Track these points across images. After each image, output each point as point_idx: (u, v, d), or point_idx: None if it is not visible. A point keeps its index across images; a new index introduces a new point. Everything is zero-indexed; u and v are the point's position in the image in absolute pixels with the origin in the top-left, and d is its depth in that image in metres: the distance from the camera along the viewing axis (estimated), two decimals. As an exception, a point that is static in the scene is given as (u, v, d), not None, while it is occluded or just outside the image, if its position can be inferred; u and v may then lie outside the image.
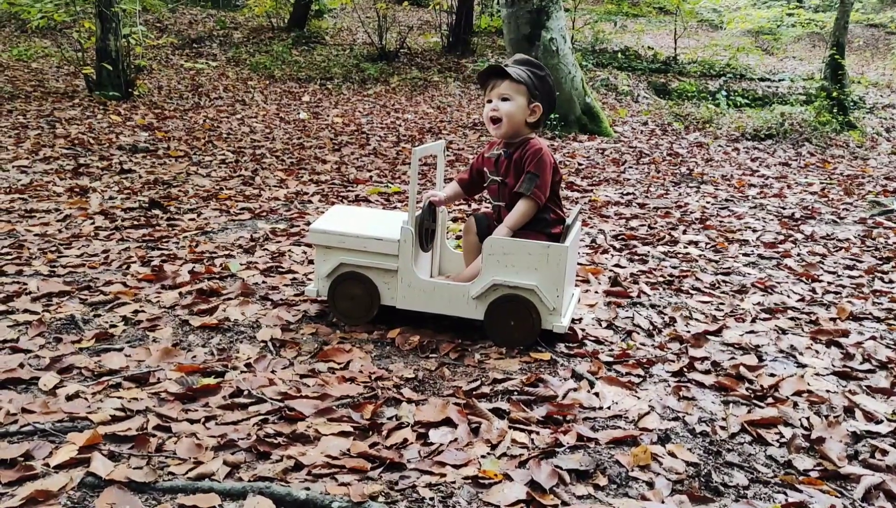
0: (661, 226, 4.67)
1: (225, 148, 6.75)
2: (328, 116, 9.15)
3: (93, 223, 4.17)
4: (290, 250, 3.79)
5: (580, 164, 6.82)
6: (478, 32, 15.91)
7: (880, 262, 4.13)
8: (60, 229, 4.01)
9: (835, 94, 9.50)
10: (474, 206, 5.02)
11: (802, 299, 3.40)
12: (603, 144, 7.97)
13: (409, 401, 2.20)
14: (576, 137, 8.19)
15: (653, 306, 3.21)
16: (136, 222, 4.22)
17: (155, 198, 4.75)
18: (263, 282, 3.26)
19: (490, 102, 2.82)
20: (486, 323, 2.70)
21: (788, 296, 3.44)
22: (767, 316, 3.14)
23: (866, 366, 2.63)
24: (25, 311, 2.79)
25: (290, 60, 13.43)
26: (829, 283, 3.70)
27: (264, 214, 4.54)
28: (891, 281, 3.79)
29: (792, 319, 3.13)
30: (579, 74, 8.55)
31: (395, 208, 4.91)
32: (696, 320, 3.06)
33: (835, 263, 4.07)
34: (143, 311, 2.84)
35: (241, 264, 3.49)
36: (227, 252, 3.71)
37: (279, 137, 7.51)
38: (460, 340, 2.69)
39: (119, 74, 9.22)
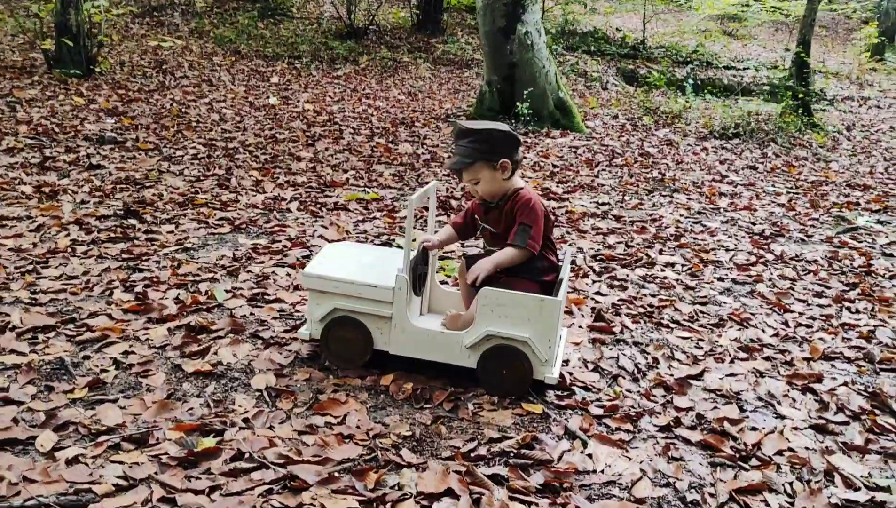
0: (638, 244, 4.74)
1: (195, 140, 6.64)
2: (298, 101, 9.04)
3: (68, 235, 4.10)
4: (273, 273, 3.78)
5: (554, 165, 6.86)
6: (447, 9, 15.77)
7: (847, 288, 4.26)
8: (35, 243, 3.93)
9: (800, 95, 9.66)
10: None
11: (776, 335, 3.51)
12: (575, 141, 8.02)
13: (410, 465, 2.24)
14: (548, 132, 8.23)
15: (636, 343, 3.28)
16: (112, 235, 4.15)
17: (130, 205, 4.67)
18: (251, 314, 3.26)
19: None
20: (479, 372, 2.74)
21: (763, 330, 3.55)
22: (745, 356, 3.24)
23: (840, 417, 2.74)
24: (12, 352, 2.75)
25: (256, 34, 13.18)
26: (801, 313, 3.81)
27: (243, 225, 4.50)
28: (857, 311, 3.92)
29: (768, 359, 3.23)
30: (553, 68, 8.56)
31: (374, 218, 4.90)
32: (678, 360, 3.15)
33: (804, 289, 4.19)
34: (132, 352, 2.82)
35: (227, 292, 3.47)
36: (210, 275, 3.68)
37: (250, 126, 7.41)
38: (452, 388, 2.73)
39: (80, 50, 8.97)
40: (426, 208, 4.78)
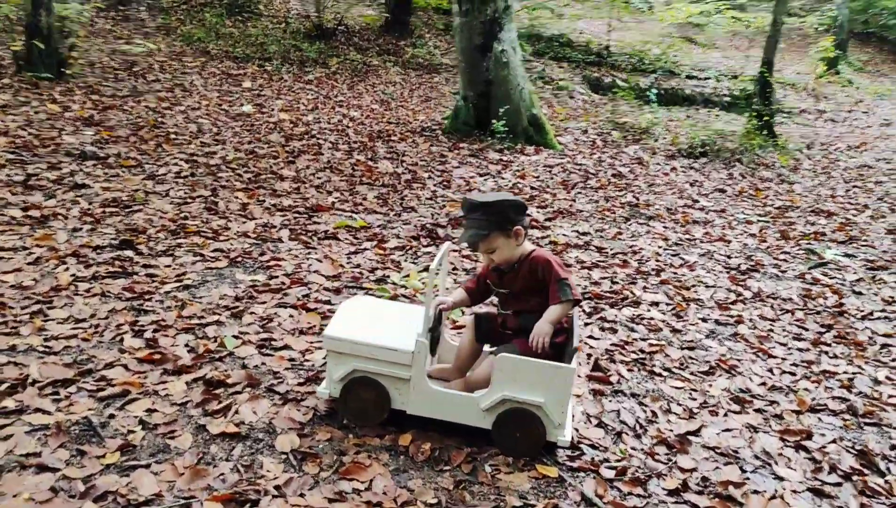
0: (622, 280, 4.91)
1: (176, 155, 6.62)
2: (273, 109, 9.02)
3: (67, 269, 4.11)
4: (277, 315, 3.84)
5: (532, 187, 7.01)
6: (415, 9, 15.78)
7: (823, 330, 4.49)
8: (36, 279, 3.93)
9: (765, 117, 9.97)
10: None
11: (763, 384, 3.70)
12: (549, 158, 8.18)
13: (441, 537, 2.36)
14: (523, 148, 8.37)
15: (633, 394, 3.44)
16: (111, 269, 4.17)
17: (123, 233, 4.68)
18: (262, 364, 3.33)
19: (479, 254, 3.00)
20: (494, 433, 2.87)
21: (750, 378, 3.74)
22: (737, 408, 3.42)
23: (833, 478, 2.93)
24: (37, 410, 2.79)
25: (224, 33, 13.04)
26: (783, 359, 4.02)
27: (239, 259, 4.54)
28: (835, 356, 4.15)
29: (759, 411, 3.42)
30: (528, 85, 8.70)
31: (364, 249, 4.98)
32: (675, 413, 3.31)
33: (783, 330, 4.41)
34: (156, 410, 2.88)
35: (235, 337, 3.53)
36: (215, 317, 3.73)
37: (228, 139, 7.40)
38: (469, 448, 2.85)
39: (51, 52, 8.80)
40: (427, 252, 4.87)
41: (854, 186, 8.90)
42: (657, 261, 5.36)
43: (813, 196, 8.09)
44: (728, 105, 14.36)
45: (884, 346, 4.36)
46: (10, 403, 2.81)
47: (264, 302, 3.99)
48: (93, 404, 2.88)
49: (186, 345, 3.42)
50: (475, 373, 3.04)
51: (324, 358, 3.43)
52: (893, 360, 4.16)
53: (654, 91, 13.77)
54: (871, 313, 4.83)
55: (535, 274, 2.94)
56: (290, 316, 3.87)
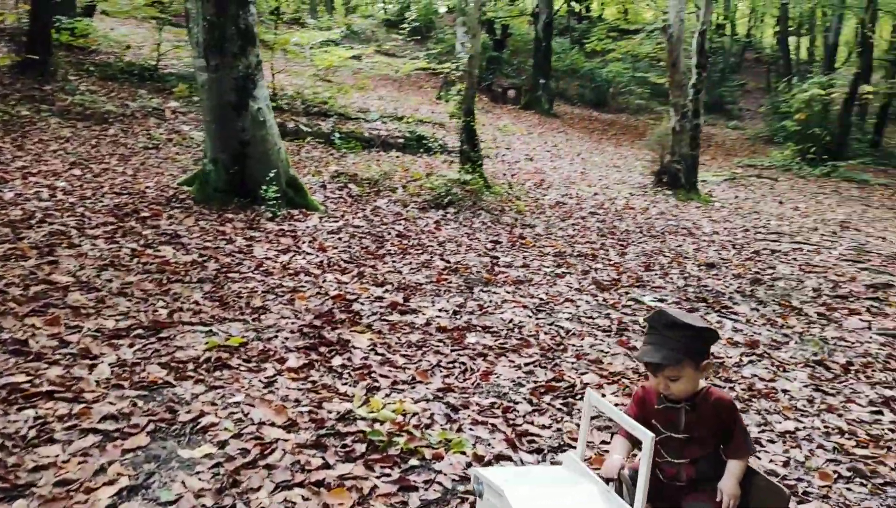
0: (559, 368, 4.62)
1: None
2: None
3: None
4: (290, 502, 2.85)
5: (347, 261, 6.34)
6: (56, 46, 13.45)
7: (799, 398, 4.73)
8: None
9: (476, 161, 10.48)
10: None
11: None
12: (324, 223, 7.50)
13: None
14: (290, 214, 7.56)
15: None
16: (-14, 486, 2.72)
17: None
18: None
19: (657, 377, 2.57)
20: None
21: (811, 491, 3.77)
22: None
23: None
24: None
25: None
26: (804, 441, 4.13)
27: (153, 429, 3.29)
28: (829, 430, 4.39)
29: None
30: (283, 144, 7.91)
31: (273, 377, 3.99)
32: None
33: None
34: None
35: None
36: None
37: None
38: None
39: None
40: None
41: (573, 225, 9.67)
42: (546, 335, 5.18)
43: (562, 240, 8.60)
44: (403, 147, 14.80)
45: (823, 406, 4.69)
46: None
47: (258, 487, 2.94)
48: None
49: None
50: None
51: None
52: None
53: (338, 136, 13.64)
54: (785, 366, 5.20)
55: (719, 417, 2.59)
56: (306, 499, 2.90)
